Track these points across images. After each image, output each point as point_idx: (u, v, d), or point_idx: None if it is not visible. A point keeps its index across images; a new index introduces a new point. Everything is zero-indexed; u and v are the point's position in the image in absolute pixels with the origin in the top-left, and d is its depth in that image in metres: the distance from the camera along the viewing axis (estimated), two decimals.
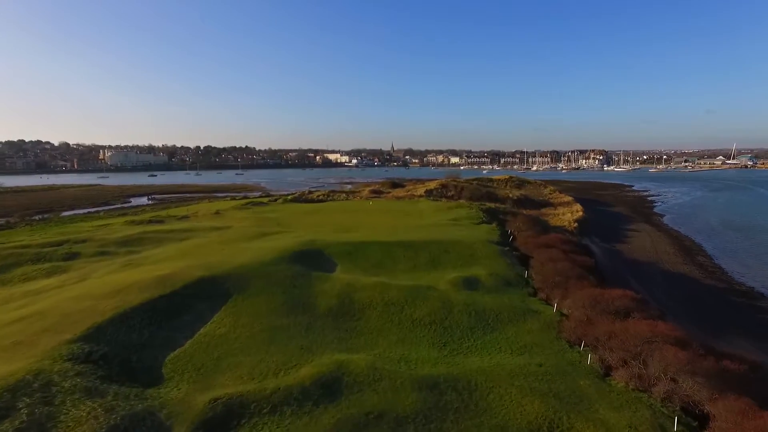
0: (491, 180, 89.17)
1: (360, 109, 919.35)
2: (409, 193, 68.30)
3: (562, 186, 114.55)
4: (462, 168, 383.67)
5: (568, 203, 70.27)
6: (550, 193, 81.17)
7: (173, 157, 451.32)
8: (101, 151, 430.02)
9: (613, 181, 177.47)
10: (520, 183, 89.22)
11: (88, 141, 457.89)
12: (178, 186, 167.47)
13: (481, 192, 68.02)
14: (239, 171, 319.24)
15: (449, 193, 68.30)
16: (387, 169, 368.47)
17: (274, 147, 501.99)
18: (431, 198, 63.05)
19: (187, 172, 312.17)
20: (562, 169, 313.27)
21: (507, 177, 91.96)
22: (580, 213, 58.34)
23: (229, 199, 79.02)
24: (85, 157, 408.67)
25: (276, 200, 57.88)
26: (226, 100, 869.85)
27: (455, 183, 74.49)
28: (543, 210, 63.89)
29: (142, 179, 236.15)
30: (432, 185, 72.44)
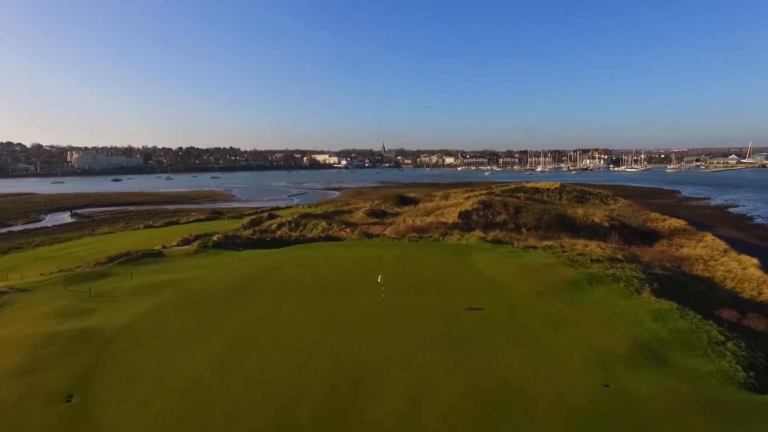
0: (538, 190, 62.74)
1: (349, 108, 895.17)
2: (432, 218, 41.30)
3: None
4: (459, 169, 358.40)
5: (686, 231, 43.90)
6: (632, 209, 54.70)
7: (150, 159, 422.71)
8: (68, 152, 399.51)
9: (644, 185, 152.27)
10: (580, 194, 62.74)
11: (64, 143, 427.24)
12: (129, 194, 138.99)
13: (549, 215, 41.27)
14: (215, 174, 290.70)
15: (499, 218, 41.43)
16: (379, 171, 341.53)
17: (260, 148, 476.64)
18: (477, 227, 36.19)
19: (158, 175, 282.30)
20: (570, 169, 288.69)
21: (557, 184, 65.43)
22: (755, 261, 31.85)
23: (163, 223, 51.38)
24: (53, 160, 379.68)
25: (192, 242, 30.39)
26: (213, 100, 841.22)
27: (500, 198, 47.68)
28: (669, 252, 37.34)
29: (101, 184, 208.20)
30: (465, 202, 45.49)
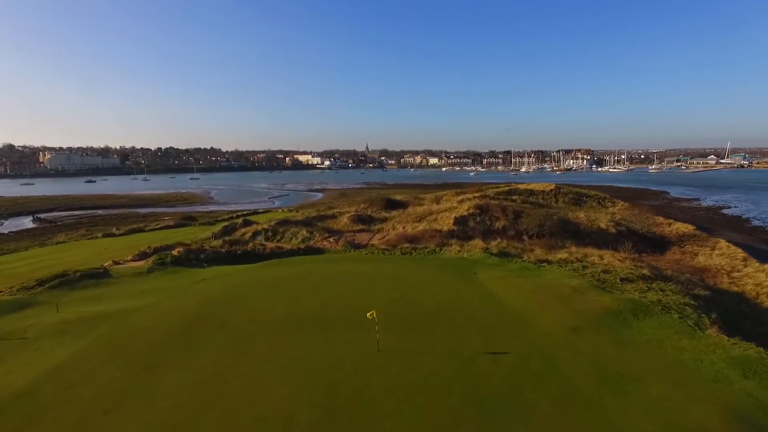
0: (533, 192, 59.50)
1: (333, 109, 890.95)
2: (425, 224, 37.47)
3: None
4: (444, 170, 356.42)
5: (696, 236, 40.93)
6: (635, 212, 51.78)
7: (127, 160, 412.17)
8: (41, 153, 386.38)
9: (631, 185, 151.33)
10: (576, 197, 59.68)
11: (38, 143, 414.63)
12: (100, 197, 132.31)
13: (552, 220, 37.80)
14: (195, 175, 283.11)
15: (497, 224, 37.85)
16: (363, 172, 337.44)
17: (242, 148, 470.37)
18: (475, 234, 32.50)
19: (135, 176, 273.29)
20: (555, 170, 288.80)
21: (552, 186, 62.24)
22: None
23: (126, 230, 46.18)
24: (25, 161, 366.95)
25: (150, 256, 25.95)
26: (194, 100, 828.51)
27: (497, 202, 44.15)
28: (685, 261, 34.20)
29: (73, 186, 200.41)
30: (459, 206, 41.75)
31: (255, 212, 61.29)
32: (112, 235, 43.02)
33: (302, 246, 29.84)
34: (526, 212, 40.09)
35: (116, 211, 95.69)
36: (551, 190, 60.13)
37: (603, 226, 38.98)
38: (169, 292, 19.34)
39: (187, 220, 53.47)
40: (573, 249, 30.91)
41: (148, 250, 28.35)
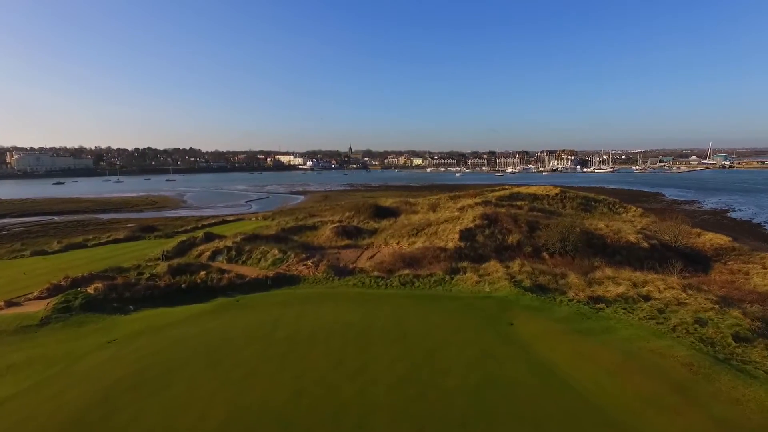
0: (536, 196, 53.63)
1: (315, 109, 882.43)
2: (424, 238, 31.01)
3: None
4: (428, 170, 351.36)
5: (735, 249, 35.35)
6: (649, 219, 46.25)
7: (101, 160, 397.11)
8: (9, 153, 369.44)
9: (622, 187, 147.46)
10: (584, 202, 53.94)
11: (8, 143, 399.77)
12: (62, 201, 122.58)
13: (575, 233, 31.72)
14: (171, 176, 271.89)
15: (510, 238, 31.59)
16: (346, 173, 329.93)
17: (222, 149, 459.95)
18: (488, 252, 26.26)
19: (107, 178, 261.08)
20: (540, 170, 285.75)
21: (557, 190, 56.38)
22: None
23: (64, 246, 38.32)
24: None
25: (63, 291, 18.92)
26: (173, 100, 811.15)
27: (504, 210, 37.94)
28: (738, 284, 28.41)
29: (38, 188, 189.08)
30: (463, 216, 35.35)
31: (224, 220, 53.81)
32: (44, 252, 35.25)
33: (271, 273, 23.00)
34: (542, 223, 33.97)
35: (75, 218, 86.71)
36: (556, 195, 54.27)
37: (633, 239, 33.02)
38: (51, 368, 12.41)
39: (145, 231, 45.75)
40: (608, 271, 24.95)
41: (63, 283, 21.24)
